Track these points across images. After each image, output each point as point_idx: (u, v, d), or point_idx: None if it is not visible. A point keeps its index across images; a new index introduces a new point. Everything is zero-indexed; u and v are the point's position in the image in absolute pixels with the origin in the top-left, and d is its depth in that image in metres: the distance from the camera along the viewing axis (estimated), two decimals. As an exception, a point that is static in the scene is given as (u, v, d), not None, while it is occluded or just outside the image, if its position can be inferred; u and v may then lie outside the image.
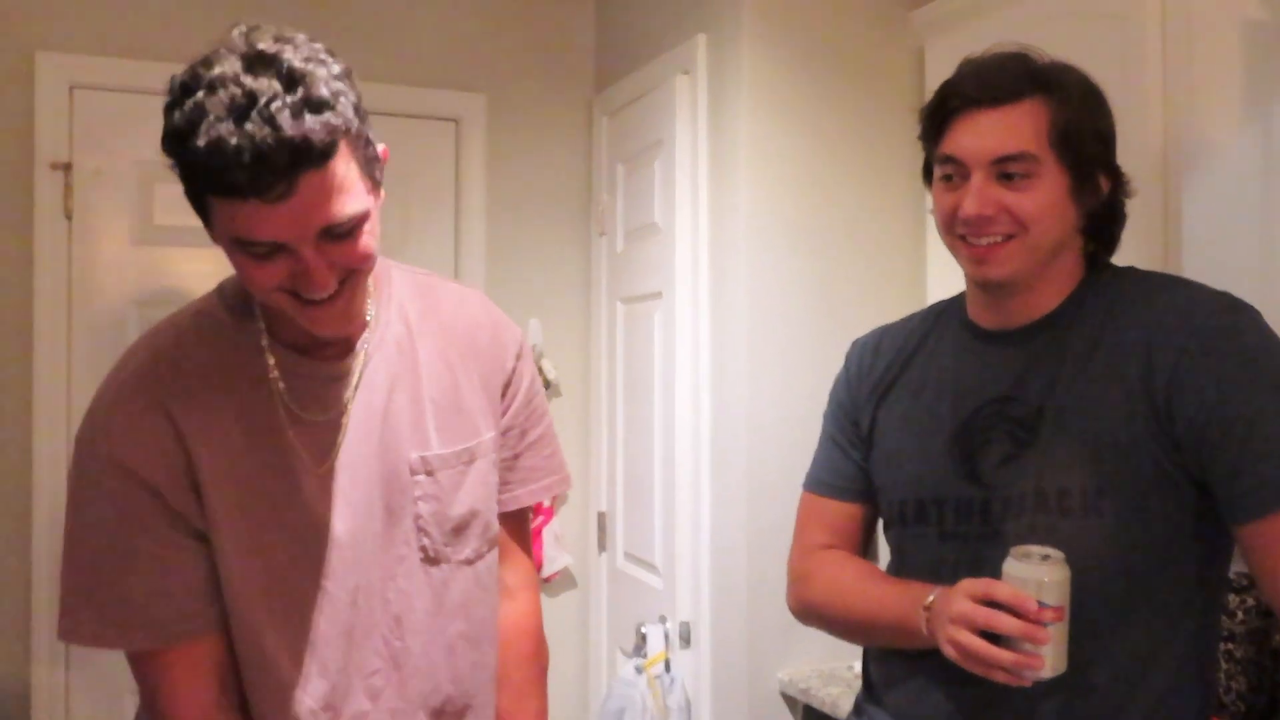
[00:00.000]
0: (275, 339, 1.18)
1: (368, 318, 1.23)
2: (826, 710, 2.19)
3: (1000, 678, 1.12)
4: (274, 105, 0.94)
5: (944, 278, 2.28)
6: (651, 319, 2.73)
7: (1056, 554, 1.11)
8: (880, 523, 1.44)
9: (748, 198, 2.37)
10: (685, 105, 2.54)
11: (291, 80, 0.96)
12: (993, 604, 1.11)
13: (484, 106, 2.95)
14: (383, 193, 1.11)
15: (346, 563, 1.18)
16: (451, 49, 2.93)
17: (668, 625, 2.57)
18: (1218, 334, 1.15)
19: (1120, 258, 1.33)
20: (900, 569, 1.35)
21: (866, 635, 1.39)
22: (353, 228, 1.04)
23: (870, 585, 1.35)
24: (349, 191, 1.02)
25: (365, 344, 1.22)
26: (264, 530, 1.15)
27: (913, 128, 2.41)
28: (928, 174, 1.34)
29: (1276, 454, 1.11)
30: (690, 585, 2.53)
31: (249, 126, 0.93)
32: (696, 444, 2.52)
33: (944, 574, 1.23)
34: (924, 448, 1.32)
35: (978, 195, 1.22)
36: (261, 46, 0.98)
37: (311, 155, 0.96)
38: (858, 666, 2.31)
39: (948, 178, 1.27)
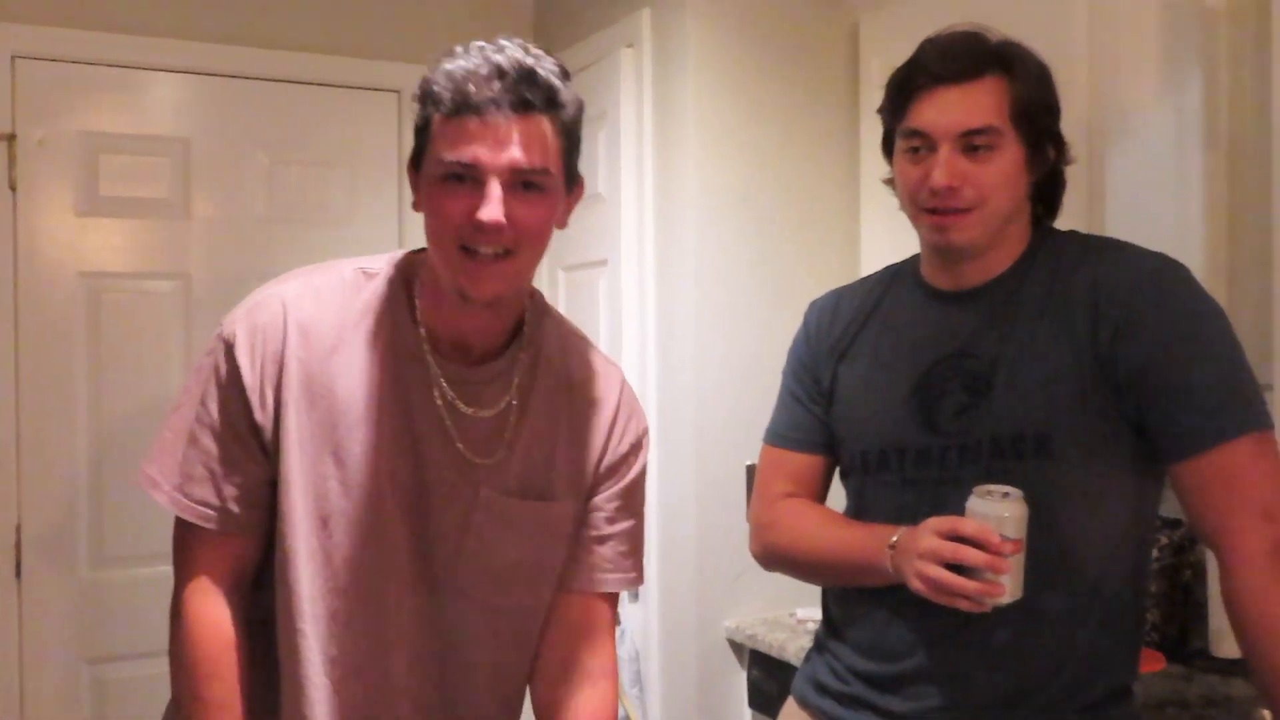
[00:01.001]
0: (430, 334, 1.25)
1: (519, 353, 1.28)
2: (773, 654, 2.30)
3: (964, 606, 1.22)
4: (519, 53, 1.14)
5: (876, 242, 2.40)
6: (596, 286, 2.80)
7: (1016, 491, 1.22)
8: (839, 472, 1.52)
9: (695, 168, 2.45)
10: (630, 78, 2.60)
11: (529, 52, 1.15)
12: (958, 539, 1.22)
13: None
14: (568, 223, 1.24)
15: (398, 549, 1.24)
16: (392, 19, 2.93)
17: (618, 581, 2.65)
18: (1158, 291, 1.27)
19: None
20: (860, 514, 1.44)
21: (832, 576, 1.48)
22: (541, 187, 1.15)
23: (835, 529, 1.44)
24: (550, 159, 1.15)
25: (503, 364, 1.27)
26: (332, 481, 1.21)
27: (847, 100, 2.54)
28: (887, 147, 1.42)
29: (1209, 399, 1.23)
30: (640, 542, 2.62)
31: (495, 55, 1.13)
32: (643, 405, 2.59)
33: (905, 517, 1.32)
34: (885, 401, 1.41)
35: (946, 166, 1.30)
36: (504, 40, 1.15)
37: (538, 88, 1.12)
38: (800, 613, 2.42)
39: (914, 150, 1.34)
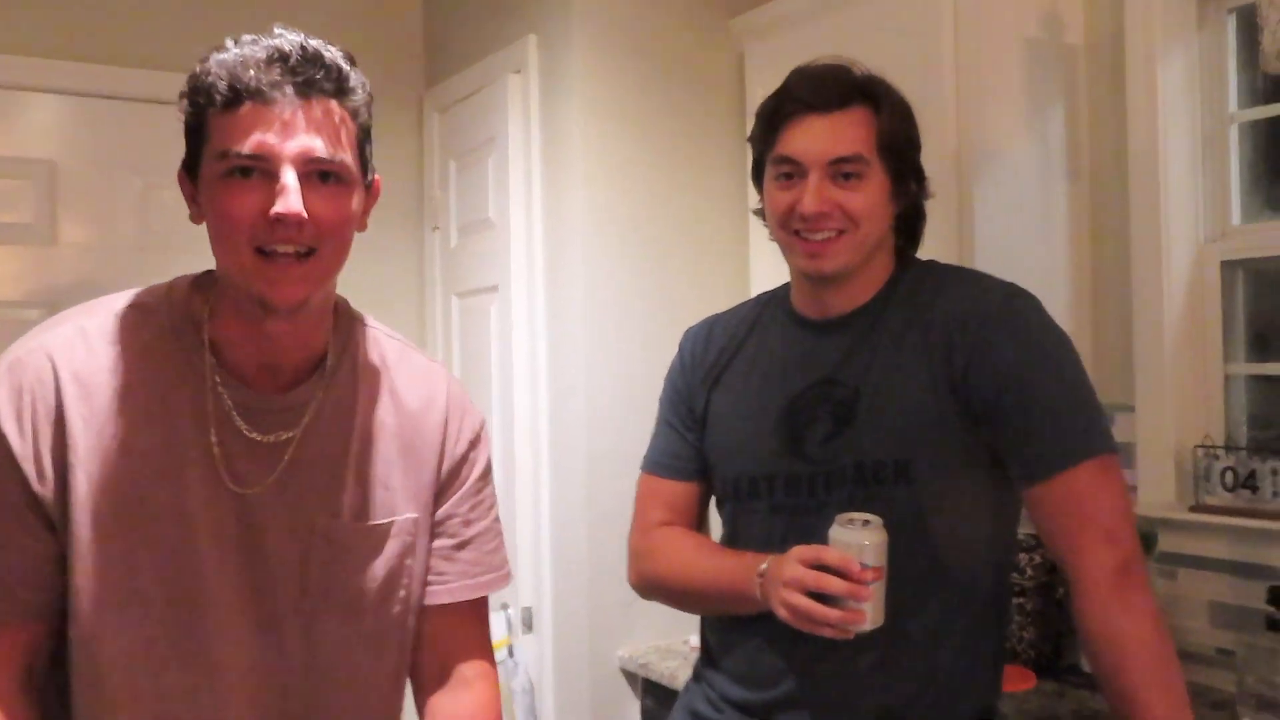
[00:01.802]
0: (220, 362, 1.13)
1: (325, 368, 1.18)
2: (665, 682, 2.30)
3: (828, 633, 1.23)
4: (299, 38, 1.06)
5: (765, 269, 2.43)
6: (487, 312, 2.79)
7: (875, 519, 1.24)
8: (714, 499, 1.52)
9: (582, 194, 2.45)
10: (517, 104, 2.61)
11: (310, 38, 1.08)
12: (821, 567, 1.23)
13: (311, 101, 2.92)
14: (367, 224, 1.16)
15: (224, 599, 1.11)
16: (276, 42, 2.89)
17: (509, 612, 2.63)
18: (1006, 319, 1.30)
19: (920, 252, 1.46)
20: (733, 541, 1.45)
21: (705, 604, 1.48)
22: (339, 178, 1.07)
23: (707, 557, 1.44)
24: (345, 149, 1.07)
25: (315, 384, 1.17)
26: (139, 544, 1.08)
27: (735, 129, 2.57)
28: (757, 174, 1.44)
29: (1056, 425, 1.27)
30: (531, 572, 2.60)
31: (272, 41, 1.04)
32: (535, 433, 2.58)
33: (774, 543, 1.33)
34: (755, 428, 1.42)
35: (816, 193, 1.32)
36: (279, 28, 1.08)
37: (325, 71, 1.05)
38: (693, 640, 2.42)
39: (786, 176, 1.36)
